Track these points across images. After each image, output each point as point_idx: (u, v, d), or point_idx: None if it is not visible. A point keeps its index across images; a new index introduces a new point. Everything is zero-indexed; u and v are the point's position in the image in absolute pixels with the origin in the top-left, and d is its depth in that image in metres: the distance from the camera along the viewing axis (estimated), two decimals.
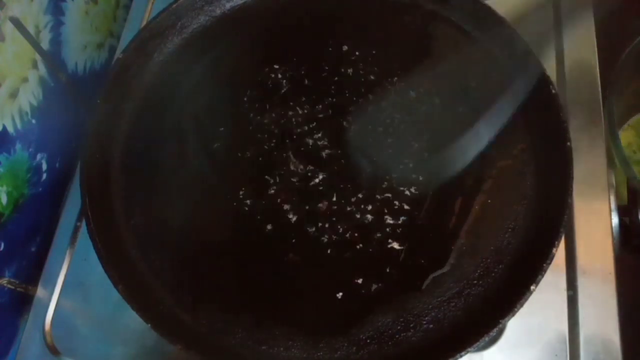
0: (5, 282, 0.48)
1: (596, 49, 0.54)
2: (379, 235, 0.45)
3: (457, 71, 0.50)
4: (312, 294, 0.43)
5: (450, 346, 0.39)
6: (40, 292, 0.50)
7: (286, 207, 0.46)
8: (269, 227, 0.46)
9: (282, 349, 0.42)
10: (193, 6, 0.52)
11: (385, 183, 0.46)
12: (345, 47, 0.52)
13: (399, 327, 0.42)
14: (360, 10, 0.53)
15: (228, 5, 0.54)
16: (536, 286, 0.39)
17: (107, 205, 0.46)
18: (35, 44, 0.48)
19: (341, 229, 0.45)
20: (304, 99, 0.50)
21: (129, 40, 0.49)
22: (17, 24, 0.45)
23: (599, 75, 0.53)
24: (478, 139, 0.46)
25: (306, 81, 0.51)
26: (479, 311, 0.42)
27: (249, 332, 0.42)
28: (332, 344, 0.42)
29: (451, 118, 0.49)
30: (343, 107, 0.50)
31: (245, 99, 0.50)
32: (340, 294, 0.43)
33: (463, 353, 0.38)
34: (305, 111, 0.50)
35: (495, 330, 0.39)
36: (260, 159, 0.48)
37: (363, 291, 0.43)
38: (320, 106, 0.50)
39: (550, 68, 0.53)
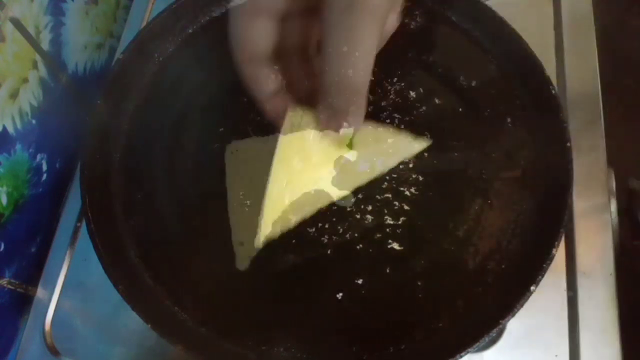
0: (5, 282, 0.48)
1: (596, 49, 0.54)
2: (379, 235, 0.45)
3: (457, 71, 0.50)
4: (312, 294, 0.44)
5: (450, 346, 0.39)
6: (40, 292, 0.50)
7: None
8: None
9: (282, 349, 0.42)
10: (193, 6, 0.52)
11: (385, 183, 0.46)
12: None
13: (399, 328, 0.42)
14: None
15: (228, 6, 0.54)
16: (536, 286, 0.39)
17: (107, 205, 0.46)
18: (35, 44, 0.48)
19: (341, 229, 0.45)
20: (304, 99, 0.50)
21: (129, 41, 0.49)
22: (17, 24, 0.45)
23: (598, 75, 0.53)
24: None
25: (306, 82, 0.51)
26: (479, 311, 0.42)
27: (249, 333, 0.42)
28: (333, 345, 0.42)
29: (451, 118, 0.49)
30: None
31: (245, 99, 0.50)
32: (340, 294, 0.43)
33: (463, 353, 0.38)
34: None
35: (495, 330, 0.39)
36: None
37: (363, 291, 0.43)
38: (320, 106, 0.50)
39: (550, 68, 0.53)
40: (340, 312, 0.43)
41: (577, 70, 0.53)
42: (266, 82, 0.39)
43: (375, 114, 0.49)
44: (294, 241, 0.45)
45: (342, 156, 0.48)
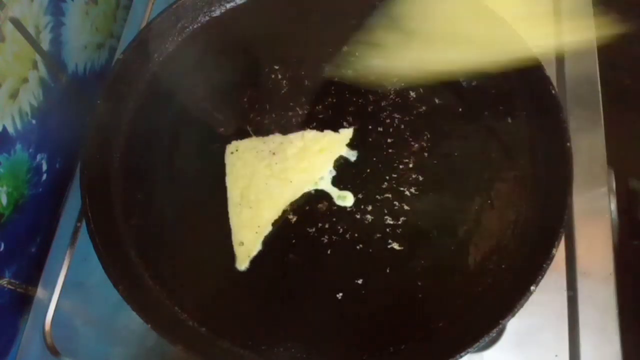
0: (6, 282, 0.48)
1: (596, 48, 0.54)
2: (379, 235, 0.45)
3: (457, 71, 0.50)
4: (312, 294, 0.44)
5: (450, 346, 0.39)
6: (40, 292, 0.50)
7: (286, 207, 0.46)
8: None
9: (282, 349, 0.42)
10: (193, 6, 0.52)
11: (385, 183, 0.46)
12: (345, 48, 0.52)
13: (399, 328, 0.42)
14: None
15: (228, 6, 0.54)
16: (536, 286, 0.39)
17: (107, 205, 0.46)
18: (35, 44, 0.48)
19: (341, 230, 0.45)
20: (304, 99, 0.50)
21: (129, 41, 0.49)
22: (18, 24, 0.45)
23: (598, 75, 0.53)
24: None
25: (306, 82, 0.51)
26: (479, 312, 0.42)
27: (249, 332, 0.42)
28: (333, 345, 0.42)
29: (451, 118, 0.49)
30: (343, 107, 0.50)
31: (245, 99, 0.50)
32: (340, 294, 0.43)
33: (463, 353, 0.38)
34: (305, 111, 0.50)
35: (495, 330, 0.39)
36: None
37: (363, 291, 0.43)
38: (320, 106, 0.50)
39: (550, 68, 0.53)
40: (340, 312, 0.43)
41: (577, 70, 0.53)
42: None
43: (375, 114, 0.49)
44: (294, 241, 0.45)
45: (341, 156, 0.48)
